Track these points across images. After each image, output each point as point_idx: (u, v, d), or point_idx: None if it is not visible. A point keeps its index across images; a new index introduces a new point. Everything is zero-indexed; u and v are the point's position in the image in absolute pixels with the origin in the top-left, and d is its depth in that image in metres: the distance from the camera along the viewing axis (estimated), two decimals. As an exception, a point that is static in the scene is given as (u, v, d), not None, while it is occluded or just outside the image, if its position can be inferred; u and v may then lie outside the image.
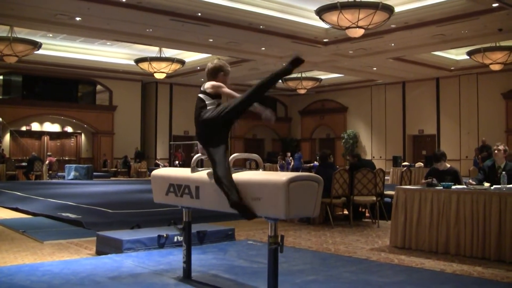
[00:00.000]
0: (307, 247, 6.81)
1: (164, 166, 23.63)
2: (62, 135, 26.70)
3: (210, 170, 4.49)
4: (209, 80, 4.57)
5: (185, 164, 23.79)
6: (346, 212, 9.77)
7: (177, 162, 25.63)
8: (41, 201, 11.61)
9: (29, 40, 17.69)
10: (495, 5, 13.94)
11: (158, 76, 21.60)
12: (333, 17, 13.71)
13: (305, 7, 15.99)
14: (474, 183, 6.81)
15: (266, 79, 4.23)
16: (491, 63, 18.51)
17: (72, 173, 21.63)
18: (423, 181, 7.42)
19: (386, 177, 10.83)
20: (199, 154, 4.73)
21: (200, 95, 4.45)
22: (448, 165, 7.70)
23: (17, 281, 4.69)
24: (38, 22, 16.08)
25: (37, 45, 17.75)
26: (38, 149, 24.79)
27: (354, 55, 20.35)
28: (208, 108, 4.36)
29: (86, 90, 27.17)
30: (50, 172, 21.98)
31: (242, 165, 23.00)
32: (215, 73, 4.58)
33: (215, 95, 4.41)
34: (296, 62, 4.06)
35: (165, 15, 15.25)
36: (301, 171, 16.49)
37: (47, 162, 22.09)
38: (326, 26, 15.81)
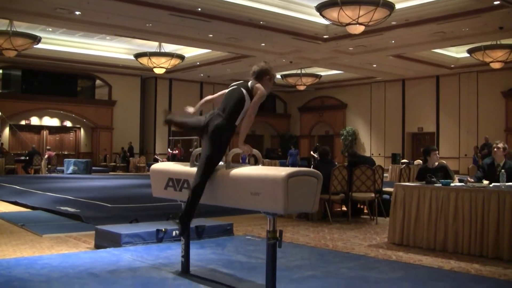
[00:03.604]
0: (305, 243, 6.81)
1: (163, 161, 23.63)
2: (61, 129, 26.70)
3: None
4: (252, 79, 4.53)
5: (184, 159, 23.76)
6: (344, 208, 9.77)
7: (176, 151, 25.56)
8: (40, 195, 11.62)
9: (28, 34, 17.64)
10: (496, 3, 13.92)
11: (158, 71, 21.57)
12: (333, 13, 13.69)
13: (306, 3, 15.96)
14: (472, 180, 6.81)
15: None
16: (491, 61, 18.49)
17: (71, 168, 21.65)
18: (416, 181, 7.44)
19: (385, 174, 10.84)
20: (199, 149, 4.73)
21: (244, 91, 4.41)
22: (437, 163, 7.70)
23: (16, 273, 4.70)
24: (37, 16, 16.03)
25: (36, 39, 17.71)
26: (37, 144, 24.75)
27: (354, 52, 20.32)
28: (243, 110, 4.37)
29: (85, 85, 27.16)
30: (49, 166, 21.98)
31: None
32: (261, 75, 4.51)
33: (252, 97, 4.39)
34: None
35: (165, 10, 15.21)
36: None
37: (46, 156, 22.09)
38: (326, 22, 15.80)
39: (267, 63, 4.67)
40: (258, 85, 4.41)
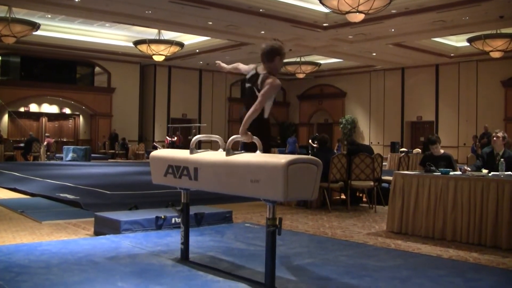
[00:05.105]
0: (304, 231, 6.83)
1: (162, 147, 23.59)
2: (60, 116, 26.66)
3: (208, 151, 4.49)
4: (263, 61, 4.33)
5: (183, 146, 23.72)
6: (343, 196, 9.79)
7: (174, 139, 25.48)
8: (39, 182, 11.62)
9: (27, 21, 17.56)
10: (496, -9, 13.90)
11: (157, 58, 21.51)
12: (333, 1, 13.65)
13: (306, -9, 15.91)
14: (469, 169, 6.81)
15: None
16: (491, 51, 18.46)
17: (70, 155, 21.63)
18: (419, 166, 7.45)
19: (383, 163, 10.85)
20: (198, 136, 4.72)
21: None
22: (442, 151, 7.70)
23: (16, 260, 4.70)
24: (36, 2, 15.96)
25: (35, 26, 17.62)
26: (36, 130, 24.75)
27: (354, 40, 20.27)
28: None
29: (84, 72, 27.08)
30: (48, 153, 21.95)
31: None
32: (272, 56, 4.29)
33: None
34: None
35: (165, -3, 15.17)
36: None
37: (45, 143, 22.06)
38: (326, 10, 15.75)
39: (277, 40, 4.38)
40: (269, 80, 4.24)
